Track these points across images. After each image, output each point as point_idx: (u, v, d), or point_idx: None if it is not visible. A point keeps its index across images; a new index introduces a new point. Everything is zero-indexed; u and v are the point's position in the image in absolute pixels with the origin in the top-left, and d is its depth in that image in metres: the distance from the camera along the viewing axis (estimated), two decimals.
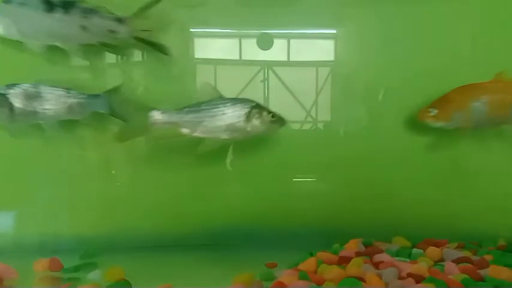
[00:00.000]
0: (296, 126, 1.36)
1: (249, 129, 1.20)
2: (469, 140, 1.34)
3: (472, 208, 1.36)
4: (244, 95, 1.32)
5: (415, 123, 1.32)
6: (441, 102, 1.24)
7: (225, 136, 1.21)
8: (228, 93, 1.25)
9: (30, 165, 1.32)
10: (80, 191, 1.33)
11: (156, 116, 1.20)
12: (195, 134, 1.20)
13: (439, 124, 1.25)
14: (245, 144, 1.30)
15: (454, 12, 1.33)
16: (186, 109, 1.20)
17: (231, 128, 1.20)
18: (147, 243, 1.31)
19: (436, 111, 1.24)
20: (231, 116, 1.19)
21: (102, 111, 1.25)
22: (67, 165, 1.33)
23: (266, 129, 1.21)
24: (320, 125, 1.37)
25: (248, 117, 1.19)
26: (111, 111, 1.25)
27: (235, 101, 1.21)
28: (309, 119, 1.36)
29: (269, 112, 1.21)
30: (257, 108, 1.20)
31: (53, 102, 1.23)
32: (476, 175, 1.36)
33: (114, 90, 1.25)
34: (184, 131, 1.20)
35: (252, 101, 1.22)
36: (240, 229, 1.34)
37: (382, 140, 1.35)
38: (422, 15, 1.33)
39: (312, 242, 1.24)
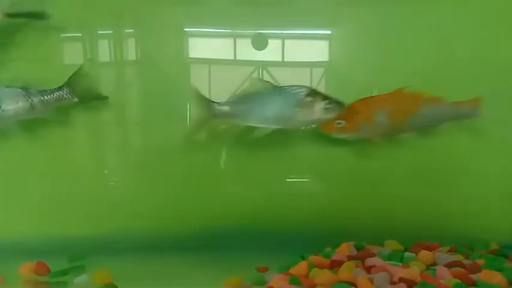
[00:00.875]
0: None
1: (305, 116, 1.19)
2: (461, 142, 1.34)
3: (465, 211, 1.35)
4: None
5: None
6: (347, 114, 1.25)
7: (279, 125, 1.20)
8: (221, 93, 1.25)
9: (18, 165, 1.30)
10: (72, 192, 1.32)
11: (217, 108, 1.20)
12: (250, 124, 1.21)
13: (346, 135, 1.27)
14: (240, 144, 1.31)
15: (451, 12, 1.32)
16: (241, 99, 1.21)
17: (285, 116, 1.19)
18: (137, 245, 1.30)
19: (343, 122, 1.25)
20: (285, 104, 1.19)
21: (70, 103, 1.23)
22: (56, 165, 1.32)
23: (322, 116, 1.20)
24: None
25: (303, 105, 1.18)
26: (80, 98, 1.23)
27: (290, 88, 1.20)
28: None
29: (324, 98, 1.19)
30: (312, 95, 1.19)
31: (9, 102, 1.19)
32: (470, 177, 1.36)
33: (75, 76, 1.22)
34: (240, 121, 1.21)
35: (309, 88, 1.20)
36: (232, 231, 1.33)
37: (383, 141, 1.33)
38: (419, 15, 1.32)
39: (306, 244, 1.22)
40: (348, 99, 1.30)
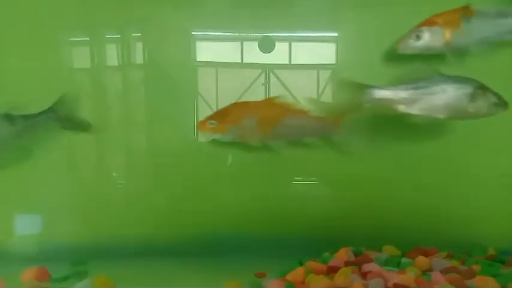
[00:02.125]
0: None
1: (471, 110, 1.17)
2: (460, 148, 1.35)
3: (463, 216, 1.35)
4: (245, 98, 1.34)
5: (408, 130, 1.32)
6: (220, 115, 1.29)
7: (442, 115, 1.18)
8: (229, 96, 1.29)
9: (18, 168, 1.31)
10: (69, 197, 1.34)
11: (374, 93, 1.20)
12: (411, 111, 1.19)
13: (216, 136, 1.30)
14: (242, 147, 1.32)
15: None
16: (404, 85, 1.19)
17: (450, 107, 1.17)
18: (136, 250, 1.31)
19: (215, 123, 1.28)
20: (452, 94, 1.17)
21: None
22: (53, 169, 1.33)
23: (488, 111, 1.18)
24: None
25: (472, 97, 1.16)
26: (62, 124, 1.24)
27: (458, 79, 1.18)
28: None
29: (494, 94, 1.17)
30: (482, 88, 1.17)
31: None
32: (471, 182, 1.36)
33: (60, 102, 1.23)
34: (400, 107, 1.19)
35: (476, 81, 1.18)
36: (232, 236, 1.34)
37: (382, 146, 1.35)
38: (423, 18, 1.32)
39: (305, 249, 1.23)
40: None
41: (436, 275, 1.03)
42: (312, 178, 1.39)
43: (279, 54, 1.35)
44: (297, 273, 1.07)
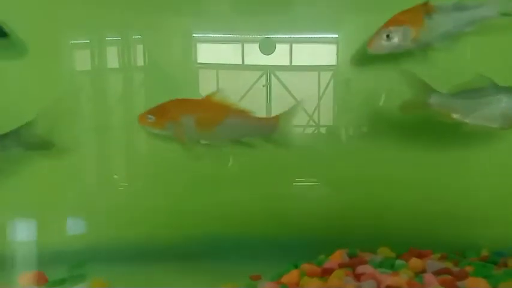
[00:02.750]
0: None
1: None
2: (453, 150, 1.36)
3: (460, 217, 1.36)
4: (246, 100, 1.35)
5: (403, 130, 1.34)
6: (158, 110, 1.29)
7: (496, 125, 1.19)
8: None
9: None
10: (62, 200, 1.35)
11: (435, 98, 1.21)
12: (466, 120, 1.20)
13: (156, 131, 1.30)
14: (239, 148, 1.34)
15: None
16: (462, 94, 1.20)
17: (505, 116, 1.18)
18: (130, 253, 1.31)
19: (153, 118, 1.28)
20: (506, 105, 1.17)
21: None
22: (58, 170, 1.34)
23: None
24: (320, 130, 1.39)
25: None
26: (25, 147, 1.22)
27: (511, 89, 1.18)
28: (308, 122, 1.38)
29: None
30: None
31: None
32: (467, 183, 1.38)
33: (25, 127, 1.21)
34: (455, 116, 1.20)
35: None
36: (229, 238, 1.35)
37: (380, 148, 1.37)
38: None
39: (302, 252, 1.24)
40: (354, 103, 1.33)
41: (428, 277, 1.04)
42: (311, 180, 1.39)
43: (279, 56, 1.36)
44: (291, 276, 1.08)
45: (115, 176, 1.39)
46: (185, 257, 1.30)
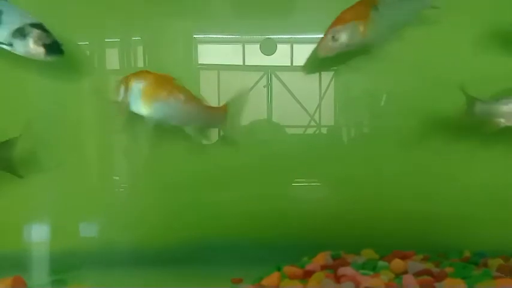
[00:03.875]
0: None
1: None
2: (444, 150, 1.36)
3: (445, 219, 1.37)
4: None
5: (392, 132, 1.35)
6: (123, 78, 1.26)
7: None
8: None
9: None
10: (52, 204, 1.35)
11: (479, 106, 1.22)
12: (509, 124, 1.22)
13: (115, 100, 1.26)
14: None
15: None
16: (504, 100, 1.22)
17: None
18: (115, 258, 1.31)
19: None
20: None
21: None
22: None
23: None
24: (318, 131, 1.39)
25: None
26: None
27: None
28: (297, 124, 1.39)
29: None
30: None
31: None
32: (455, 184, 1.38)
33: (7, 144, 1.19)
34: (500, 121, 1.22)
35: None
36: (215, 242, 1.35)
37: (379, 150, 1.38)
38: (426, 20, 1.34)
39: (288, 254, 1.24)
40: (354, 103, 1.34)
41: (407, 278, 1.04)
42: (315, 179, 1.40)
43: (280, 56, 1.36)
44: (271, 279, 1.09)
45: (115, 178, 1.38)
46: (175, 261, 1.31)
